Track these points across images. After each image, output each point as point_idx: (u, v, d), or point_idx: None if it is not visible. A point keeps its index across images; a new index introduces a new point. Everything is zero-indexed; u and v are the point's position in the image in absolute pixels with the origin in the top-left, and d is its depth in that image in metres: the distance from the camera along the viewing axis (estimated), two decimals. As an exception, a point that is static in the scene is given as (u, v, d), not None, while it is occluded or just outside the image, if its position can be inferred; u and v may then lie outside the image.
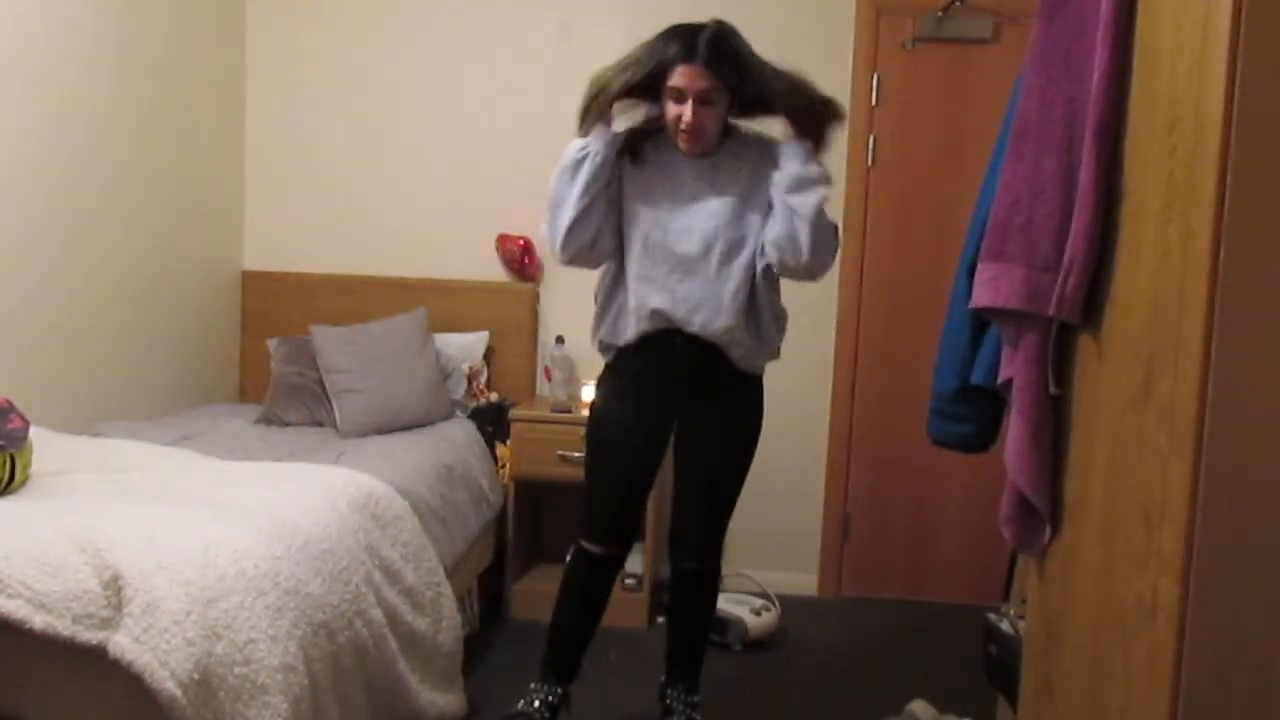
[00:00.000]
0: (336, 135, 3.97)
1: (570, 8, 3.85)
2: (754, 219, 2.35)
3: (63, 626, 1.68)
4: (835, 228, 2.33)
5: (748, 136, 2.42)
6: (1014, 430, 1.66)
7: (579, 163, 2.32)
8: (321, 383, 3.46)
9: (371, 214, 3.97)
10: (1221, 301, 1.15)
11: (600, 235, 2.39)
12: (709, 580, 2.60)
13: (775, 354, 2.50)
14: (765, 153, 2.36)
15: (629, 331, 2.41)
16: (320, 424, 3.43)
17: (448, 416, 3.52)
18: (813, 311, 3.76)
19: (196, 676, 1.72)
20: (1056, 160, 1.55)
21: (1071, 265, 1.49)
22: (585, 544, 2.53)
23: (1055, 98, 1.55)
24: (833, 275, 3.74)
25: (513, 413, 3.52)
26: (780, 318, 2.48)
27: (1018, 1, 3.55)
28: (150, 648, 1.70)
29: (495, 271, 3.92)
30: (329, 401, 3.43)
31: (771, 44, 3.69)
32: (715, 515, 2.54)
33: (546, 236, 2.41)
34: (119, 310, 3.35)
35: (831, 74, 3.74)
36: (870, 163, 3.73)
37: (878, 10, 3.69)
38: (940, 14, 3.62)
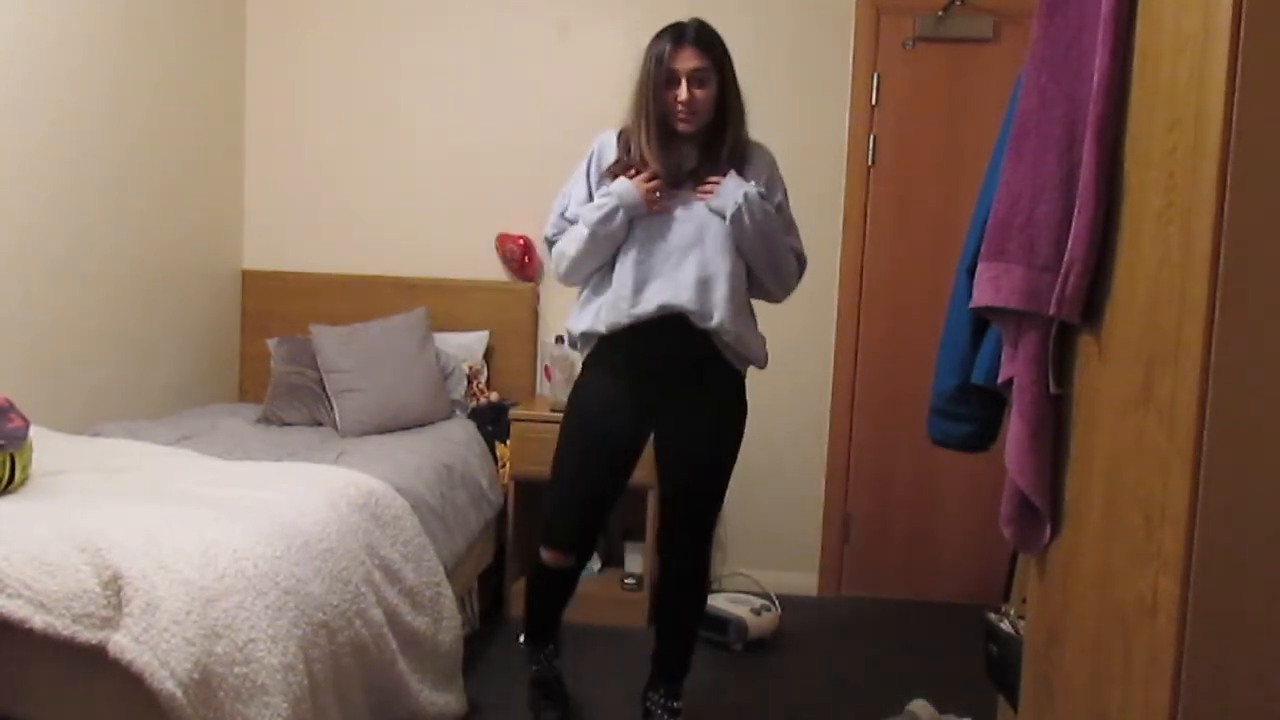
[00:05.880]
0: (336, 135, 3.97)
1: (569, 7, 3.85)
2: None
3: (62, 626, 1.68)
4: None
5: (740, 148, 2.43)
6: (1014, 430, 1.66)
7: (609, 215, 2.34)
8: (321, 382, 3.46)
9: (371, 214, 3.97)
10: (1221, 301, 1.15)
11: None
12: (698, 580, 2.57)
13: (761, 354, 2.46)
14: (753, 161, 2.42)
15: (622, 320, 2.35)
16: (320, 424, 3.43)
17: (448, 416, 3.52)
18: (813, 311, 3.76)
19: (196, 676, 1.72)
20: (1057, 160, 1.55)
21: (1072, 265, 1.49)
22: (546, 556, 2.50)
23: (1056, 97, 1.55)
24: (832, 275, 3.77)
25: (512, 412, 3.52)
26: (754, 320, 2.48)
27: (1018, 1, 3.55)
28: (150, 647, 1.70)
29: (495, 271, 3.92)
30: (329, 401, 3.43)
31: (772, 44, 3.75)
32: (702, 515, 2.50)
33: (555, 269, 2.49)
34: (119, 310, 3.35)
35: (831, 74, 3.75)
36: (870, 163, 3.73)
37: (878, 10, 3.69)
38: (940, 14, 3.62)
